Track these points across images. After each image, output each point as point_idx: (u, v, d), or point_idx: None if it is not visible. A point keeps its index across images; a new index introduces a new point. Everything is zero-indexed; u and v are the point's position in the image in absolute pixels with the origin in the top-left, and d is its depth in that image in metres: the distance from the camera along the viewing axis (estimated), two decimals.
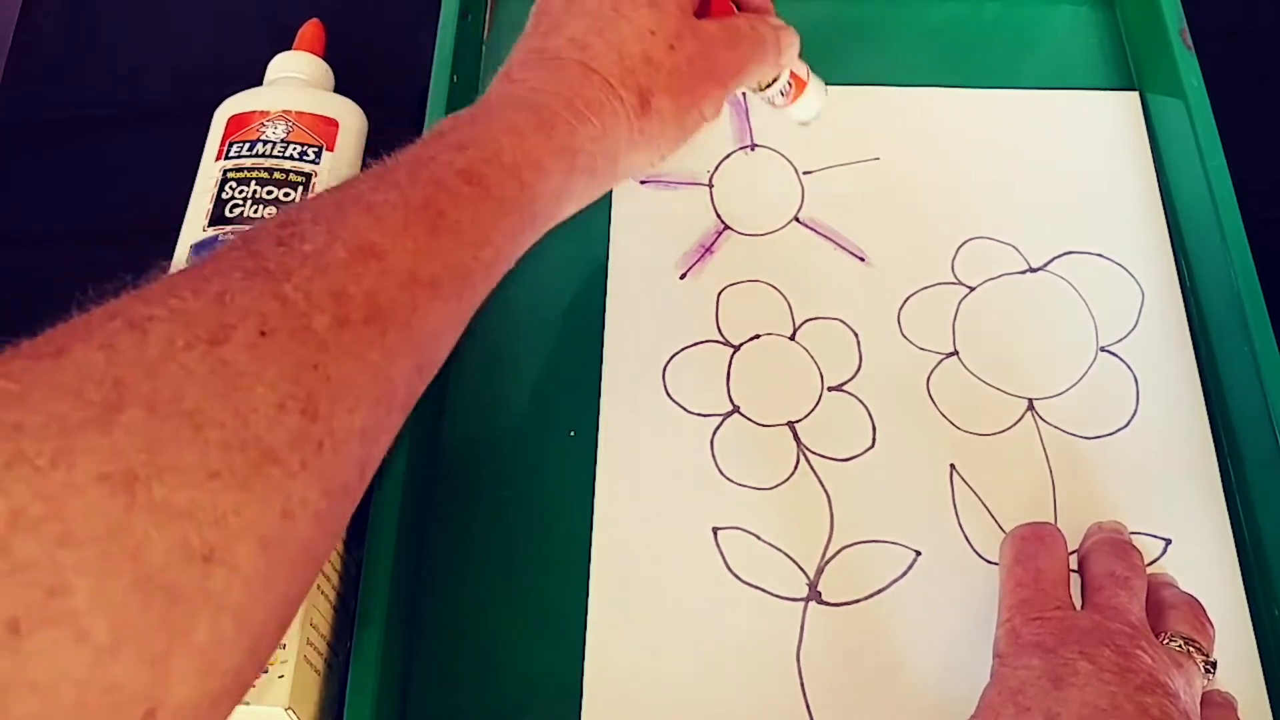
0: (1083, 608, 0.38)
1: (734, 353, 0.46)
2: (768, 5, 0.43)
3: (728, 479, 0.43)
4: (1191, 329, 0.47)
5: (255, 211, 0.45)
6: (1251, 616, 0.41)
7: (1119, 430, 0.45)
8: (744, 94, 0.52)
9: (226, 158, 0.46)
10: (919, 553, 0.42)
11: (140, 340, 0.25)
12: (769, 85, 0.44)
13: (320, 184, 0.46)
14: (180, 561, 0.23)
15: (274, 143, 0.47)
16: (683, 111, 0.39)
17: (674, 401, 0.45)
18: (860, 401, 0.45)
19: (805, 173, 0.50)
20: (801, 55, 0.44)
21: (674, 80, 0.38)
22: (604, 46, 0.37)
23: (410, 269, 0.30)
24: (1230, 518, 0.43)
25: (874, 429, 0.44)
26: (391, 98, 0.51)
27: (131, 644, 0.22)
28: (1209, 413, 0.45)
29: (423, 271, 0.30)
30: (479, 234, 0.32)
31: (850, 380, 0.45)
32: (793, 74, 0.44)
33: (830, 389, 0.45)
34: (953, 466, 0.44)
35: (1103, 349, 0.46)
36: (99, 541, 0.22)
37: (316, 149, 0.47)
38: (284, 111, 0.48)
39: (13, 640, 0.21)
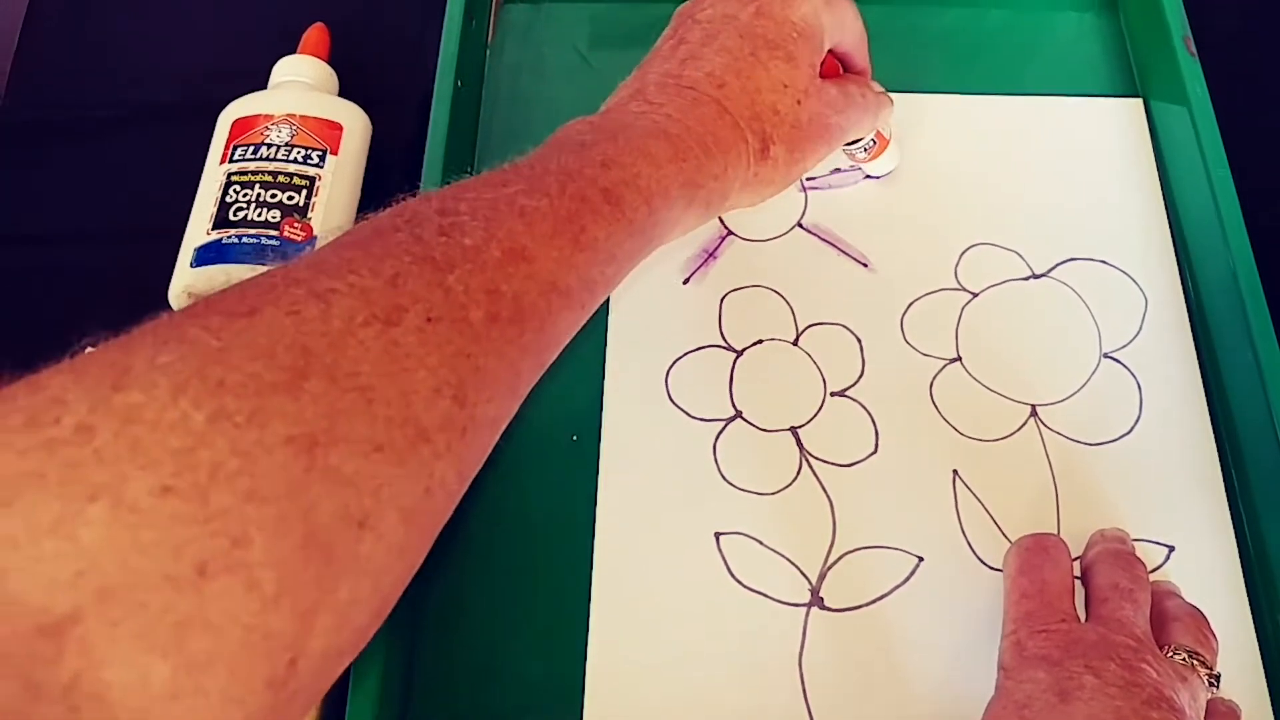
0: (1087, 620, 0.38)
1: (737, 358, 0.46)
2: (868, 70, 0.46)
3: (730, 484, 0.43)
4: (1195, 335, 0.47)
5: (259, 215, 0.45)
6: (1255, 624, 0.41)
7: (1122, 437, 0.45)
8: None
9: (231, 161, 0.47)
10: (921, 559, 0.42)
11: (325, 311, 0.27)
12: (854, 141, 0.47)
13: (324, 188, 0.46)
14: (341, 525, 0.25)
15: (278, 146, 0.47)
16: (794, 163, 0.41)
17: (677, 406, 0.45)
18: (863, 407, 0.45)
19: (809, 178, 0.50)
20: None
21: (794, 133, 0.40)
22: (740, 89, 0.39)
23: (552, 276, 0.32)
24: (1233, 525, 0.43)
25: (876, 434, 0.44)
26: (395, 102, 0.51)
27: (290, 596, 0.24)
28: (1212, 419, 0.45)
29: (561, 280, 0.32)
30: (609, 251, 0.34)
31: (853, 386, 0.45)
32: (878, 133, 0.47)
33: (833, 394, 0.45)
34: (955, 472, 0.44)
35: (1106, 355, 0.46)
36: (279, 500, 0.24)
37: (320, 153, 0.47)
38: (288, 115, 0.48)
39: (199, 582, 0.23)
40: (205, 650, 0.23)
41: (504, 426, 0.32)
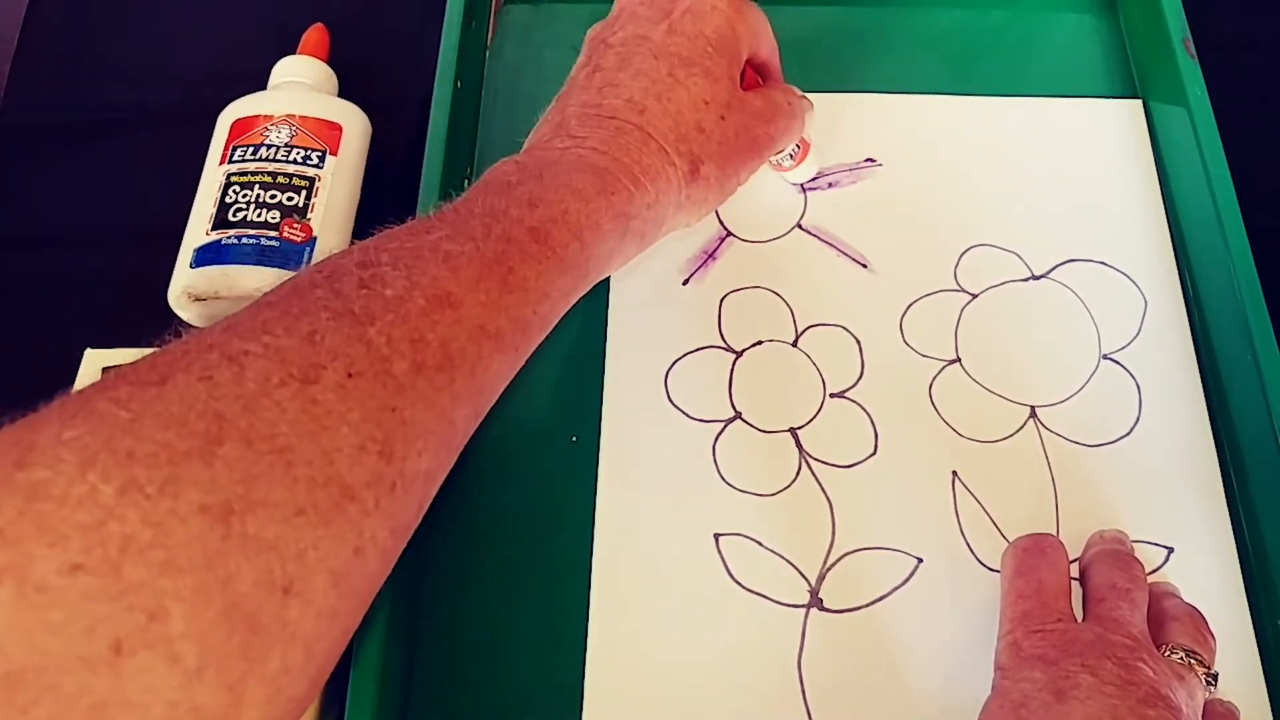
0: (1084, 620, 0.38)
1: (736, 359, 0.46)
2: (780, 75, 0.45)
3: (729, 485, 0.43)
4: (1194, 337, 0.47)
5: (258, 215, 0.45)
6: (1254, 625, 0.41)
7: (1121, 438, 0.45)
8: None
9: (230, 161, 0.47)
10: (920, 560, 0.42)
11: (238, 374, 0.26)
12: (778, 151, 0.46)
13: (324, 189, 0.46)
14: (264, 592, 0.24)
15: (278, 147, 0.47)
16: (726, 179, 0.41)
17: (676, 407, 0.45)
18: (862, 408, 0.45)
19: (808, 179, 0.50)
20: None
21: (722, 149, 0.40)
22: (661, 112, 0.38)
23: (480, 321, 0.31)
24: (1232, 526, 0.43)
25: (876, 436, 0.44)
26: (395, 102, 0.51)
27: (215, 669, 0.23)
28: (1211, 421, 0.45)
29: (490, 324, 0.32)
30: (541, 290, 0.34)
31: (852, 387, 0.45)
32: (800, 139, 0.47)
33: (832, 395, 0.45)
34: (955, 474, 0.44)
35: (1105, 357, 0.46)
36: (197, 570, 0.23)
37: (320, 153, 0.47)
38: (288, 116, 0.48)
39: (115, 660, 0.22)
40: None
41: (441, 478, 0.31)
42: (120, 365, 0.27)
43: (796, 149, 0.47)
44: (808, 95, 0.46)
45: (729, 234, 0.49)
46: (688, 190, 0.39)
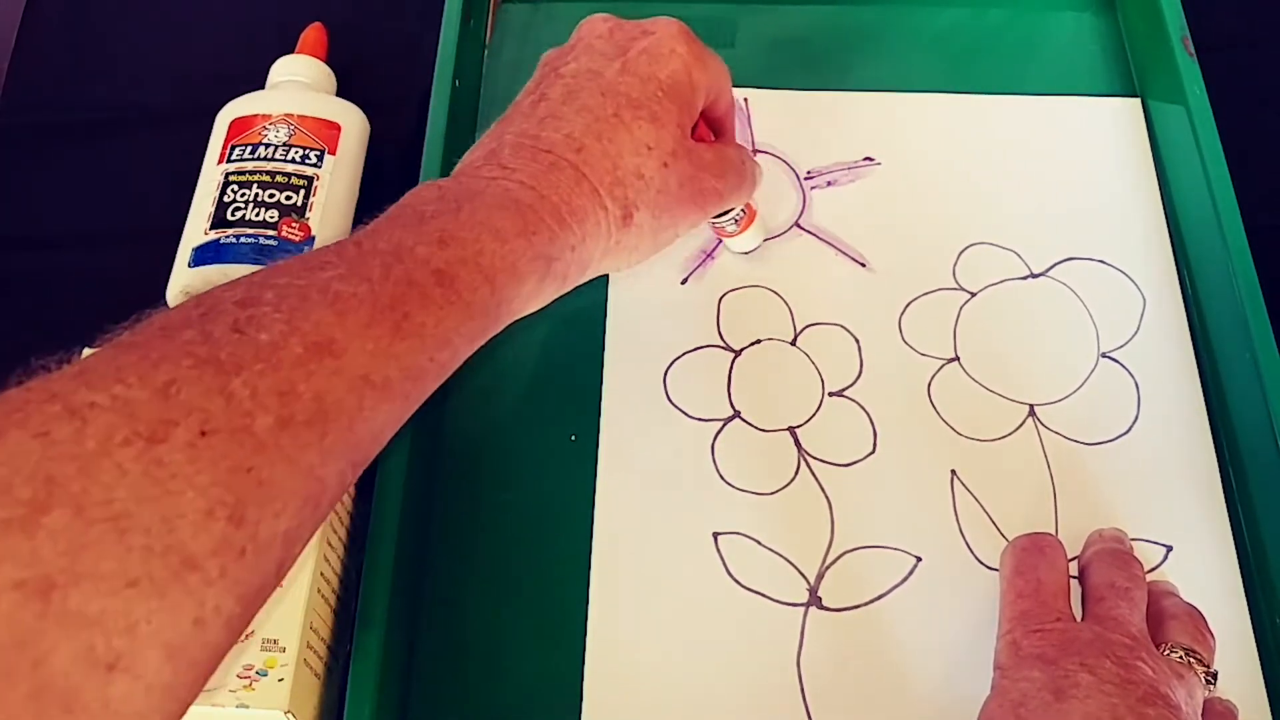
0: (1083, 619, 0.38)
1: (735, 358, 0.46)
2: (734, 134, 0.44)
3: (728, 484, 0.43)
4: (1193, 335, 0.47)
5: (257, 215, 0.45)
6: (1253, 623, 0.41)
7: (1120, 436, 0.45)
8: (744, 99, 0.52)
9: (228, 161, 0.47)
10: (919, 558, 0.42)
11: (79, 431, 0.24)
12: (725, 213, 0.45)
13: (322, 188, 0.46)
14: (83, 670, 0.23)
15: (276, 146, 0.47)
16: (661, 229, 0.39)
17: (675, 406, 0.45)
18: (861, 407, 0.45)
19: (807, 178, 0.50)
20: None
21: (661, 199, 0.38)
22: (600, 153, 0.37)
23: (364, 370, 0.29)
24: (1231, 524, 0.43)
25: (875, 434, 0.44)
26: (394, 101, 0.51)
27: None
28: (1210, 419, 0.45)
29: (376, 373, 0.29)
30: (441, 337, 0.32)
31: (851, 386, 0.45)
32: (747, 204, 0.45)
33: (831, 394, 0.45)
34: (953, 472, 0.44)
35: (1104, 355, 0.46)
36: (5, 649, 0.22)
37: (319, 152, 0.47)
38: (286, 115, 0.48)
39: None
40: None
41: (309, 536, 0.29)
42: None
43: (742, 214, 0.45)
44: (759, 162, 0.45)
45: None
46: (618, 235, 0.37)
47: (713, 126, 0.43)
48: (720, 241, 0.48)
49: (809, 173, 0.50)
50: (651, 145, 0.38)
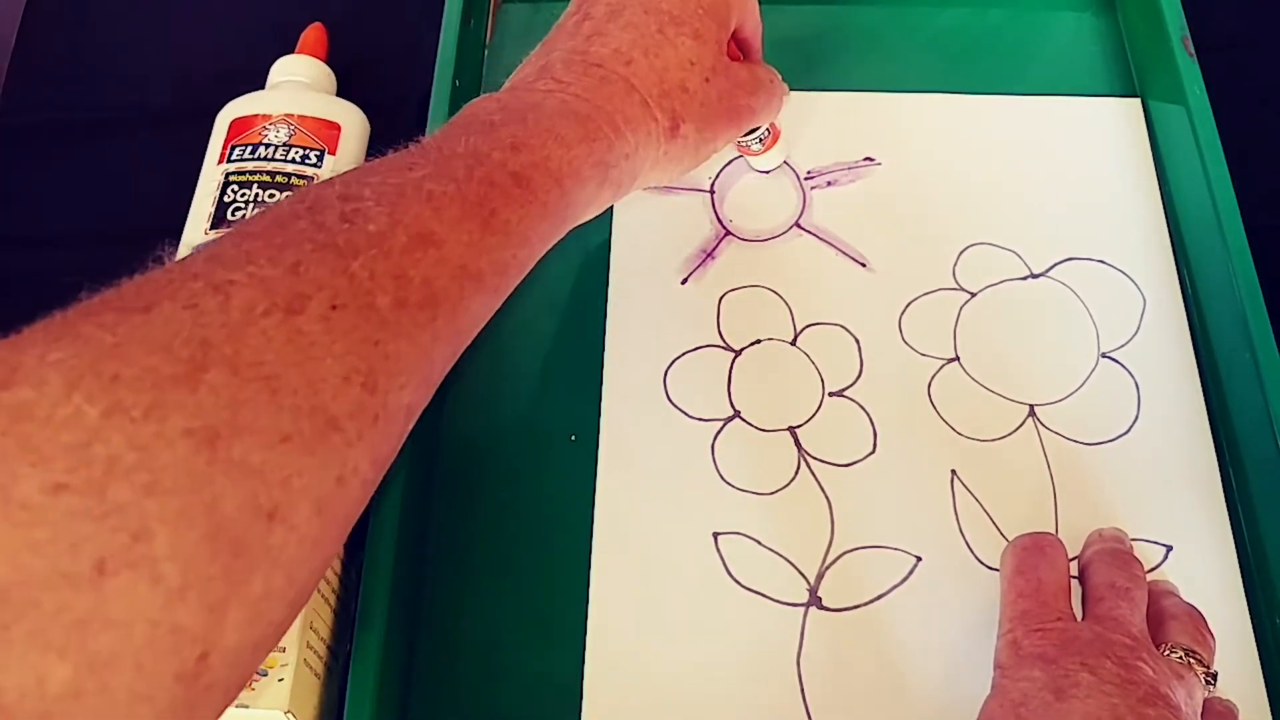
0: (1083, 619, 0.38)
1: (735, 358, 0.46)
2: (761, 54, 0.45)
3: (728, 484, 0.43)
4: (1193, 335, 0.47)
5: None
6: (1253, 623, 0.41)
7: (1120, 436, 0.45)
8: None
9: (228, 161, 0.47)
10: (919, 558, 0.42)
11: (224, 303, 0.26)
12: (750, 131, 0.46)
13: None
14: (248, 517, 0.25)
15: (276, 146, 0.47)
16: (704, 141, 0.41)
17: (675, 406, 0.45)
18: (861, 407, 0.45)
19: (807, 178, 0.50)
20: None
21: (704, 111, 0.40)
22: (647, 67, 0.39)
23: (462, 260, 0.31)
24: (1231, 524, 0.43)
25: (875, 434, 0.44)
26: (394, 102, 0.51)
27: (197, 590, 0.24)
28: (1210, 419, 0.45)
29: (472, 264, 0.31)
30: (522, 234, 0.33)
31: (851, 386, 0.45)
32: (772, 124, 0.47)
33: (831, 394, 0.45)
34: (953, 472, 0.44)
35: (1104, 355, 0.46)
36: (181, 493, 0.23)
37: (319, 152, 0.47)
38: (286, 115, 0.48)
39: (98, 579, 0.22)
40: (107, 648, 0.22)
41: (418, 413, 0.31)
42: (104, 291, 0.27)
43: (767, 133, 0.47)
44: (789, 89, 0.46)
45: (727, 233, 0.49)
46: (666, 146, 0.39)
47: (741, 47, 0.45)
48: (720, 240, 0.48)
49: (809, 173, 0.50)
50: (694, 60, 0.39)
